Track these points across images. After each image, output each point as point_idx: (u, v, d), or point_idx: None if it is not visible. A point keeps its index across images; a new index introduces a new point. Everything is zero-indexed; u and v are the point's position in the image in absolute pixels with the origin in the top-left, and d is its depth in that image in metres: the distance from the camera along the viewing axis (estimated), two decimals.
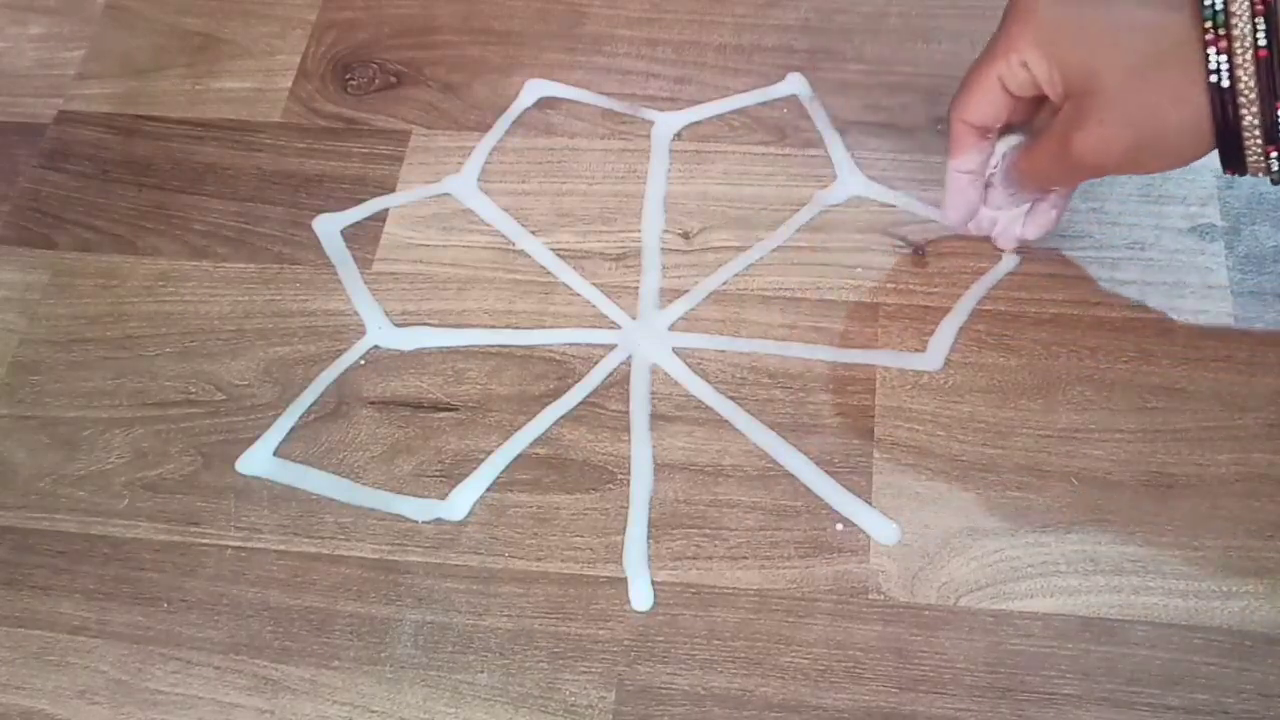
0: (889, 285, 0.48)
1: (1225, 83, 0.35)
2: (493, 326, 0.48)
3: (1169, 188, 0.50)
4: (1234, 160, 0.37)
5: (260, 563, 0.44)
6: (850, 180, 0.51)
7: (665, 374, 0.47)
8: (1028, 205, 0.46)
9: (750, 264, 0.49)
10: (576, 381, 0.47)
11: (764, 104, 0.54)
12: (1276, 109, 0.36)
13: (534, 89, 0.55)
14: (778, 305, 0.48)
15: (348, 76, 0.56)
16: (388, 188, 0.52)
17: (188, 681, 0.42)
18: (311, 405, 0.47)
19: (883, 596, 0.42)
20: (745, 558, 0.43)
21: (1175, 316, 0.47)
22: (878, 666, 0.41)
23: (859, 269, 0.49)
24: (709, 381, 0.47)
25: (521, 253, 0.50)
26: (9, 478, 0.46)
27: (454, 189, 0.52)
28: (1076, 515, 0.43)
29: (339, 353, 0.48)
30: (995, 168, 0.45)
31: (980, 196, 0.46)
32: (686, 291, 0.49)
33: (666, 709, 0.40)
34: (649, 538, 0.43)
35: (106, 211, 0.53)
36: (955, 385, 0.46)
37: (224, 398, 0.47)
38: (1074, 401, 0.45)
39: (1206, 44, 0.36)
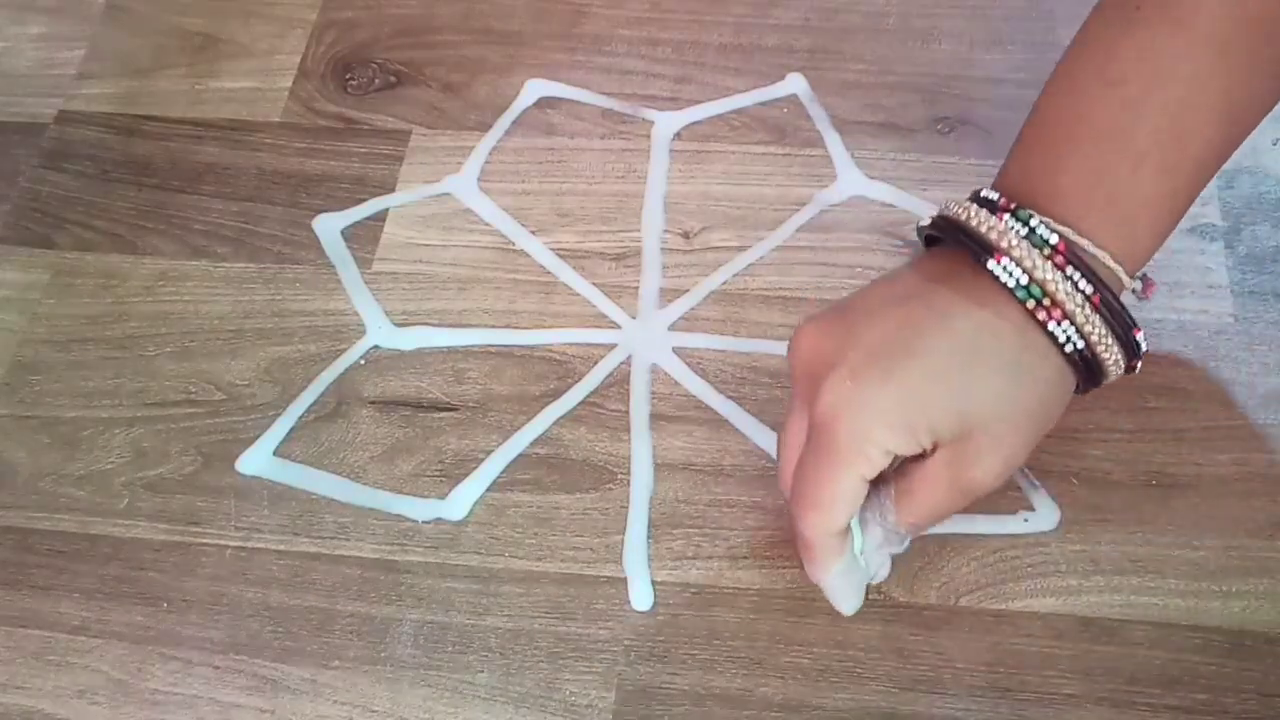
0: None
1: (1080, 344, 0.34)
2: (493, 326, 0.48)
3: None
4: (1093, 385, 0.37)
5: (260, 563, 0.44)
6: (850, 180, 0.51)
7: (665, 374, 0.47)
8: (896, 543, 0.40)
9: (750, 264, 0.49)
10: (576, 381, 0.47)
11: (764, 104, 0.54)
12: (1134, 333, 0.35)
13: (534, 89, 0.55)
14: (778, 305, 0.48)
15: (348, 76, 0.56)
16: (388, 188, 0.52)
17: (188, 681, 0.42)
18: (311, 405, 0.47)
19: (882, 596, 0.42)
20: (745, 558, 0.43)
21: (1175, 316, 0.47)
22: (878, 666, 0.41)
23: (859, 269, 0.49)
24: (709, 381, 0.47)
25: (521, 253, 0.50)
26: (9, 478, 0.46)
27: (454, 189, 0.52)
28: (1076, 515, 0.43)
29: (339, 353, 0.48)
30: (864, 542, 0.39)
31: (859, 586, 0.40)
32: (686, 291, 0.49)
33: (666, 709, 0.40)
34: (649, 538, 0.43)
35: (106, 211, 0.53)
36: None
37: (224, 398, 0.47)
38: (1074, 401, 0.45)
39: (1043, 323, 0.34)
